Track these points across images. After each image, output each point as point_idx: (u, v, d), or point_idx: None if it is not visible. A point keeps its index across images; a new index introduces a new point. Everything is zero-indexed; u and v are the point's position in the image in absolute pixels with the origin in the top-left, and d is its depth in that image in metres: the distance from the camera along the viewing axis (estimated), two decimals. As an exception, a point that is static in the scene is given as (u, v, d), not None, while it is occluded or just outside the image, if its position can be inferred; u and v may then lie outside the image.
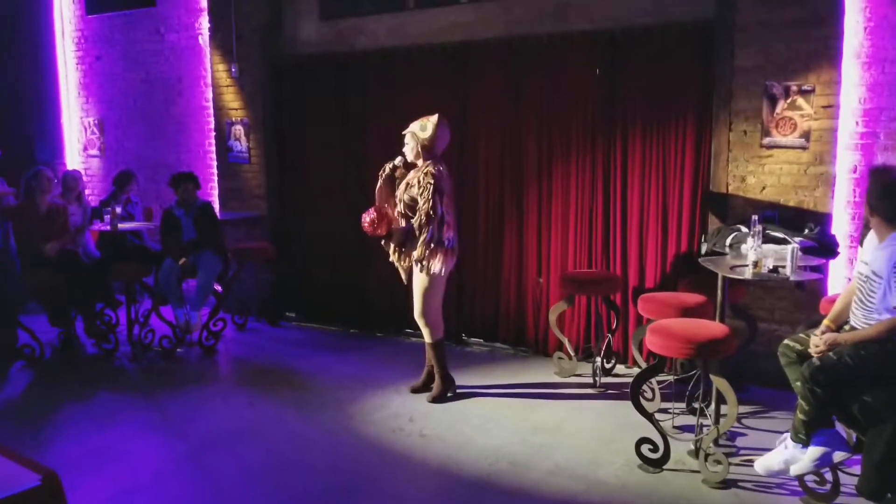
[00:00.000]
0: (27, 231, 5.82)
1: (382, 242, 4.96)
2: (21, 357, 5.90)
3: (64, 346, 6.24)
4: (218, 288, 6.44)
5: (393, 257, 4.94)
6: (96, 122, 8.46)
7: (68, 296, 6.01)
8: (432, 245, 4.64)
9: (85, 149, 8.64)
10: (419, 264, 4.73)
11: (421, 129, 4.77)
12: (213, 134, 7.49)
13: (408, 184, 4.76)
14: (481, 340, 6.32)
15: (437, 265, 4.70)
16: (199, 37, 7.48)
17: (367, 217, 4.84)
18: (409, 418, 4.70)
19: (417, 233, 4.66)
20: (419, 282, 4.83)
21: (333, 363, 5.87)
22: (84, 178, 8.21)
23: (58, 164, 8.34)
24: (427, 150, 4.76)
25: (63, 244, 5.95)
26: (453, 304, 6.05)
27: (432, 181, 4.62)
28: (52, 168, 6.57)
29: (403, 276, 4.99)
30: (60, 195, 6.37)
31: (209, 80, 7.43)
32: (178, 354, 6.15)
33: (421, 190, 4.63)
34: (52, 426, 4.72)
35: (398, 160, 4.87)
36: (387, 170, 4.89)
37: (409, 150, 4.80)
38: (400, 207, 4.81)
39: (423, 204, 4.61)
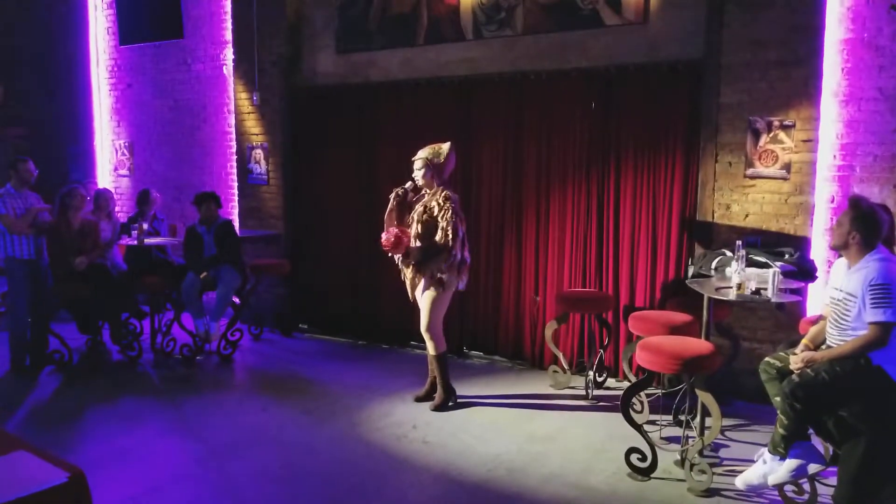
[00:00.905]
0: (60, 245, 5.85)
1: (400, 261, 4.93)
2: (51, 362, 5.92)
3: (91, 352, 6.25)
4: (236, 300, 6.45)
5: (408, 274, 4.91)
6: (126, 144, 8.53)
7: (96, 306, 6.03)
8: (456, 263, 4.72)
9: (115, 169, 8.70)
10: (439, 281, 4.75)
11: (434, 155, 4.81)
12: (235, 157, 7.54)
13: (425, 207, 4.77)
14: (481, 353, 6.31)
15: (460, 281, 4.81)
16: (224, 67, 7.56)
17: (389, 237, 4.78)
18: (412, 426, 4.69)
19: (445, 253, 4.68)
20: (429, 297, 4.83)
21: (342, 372, 5.86)
22: (114, 197, 8.26)
23: (89, 183, 8.39)
24: (439, 175, 4.80)
25: (92, 259, 5.97)
26: (456, 319, 6.06)
27: (452, 205, 4.69)
28: (84, 186, 6.61)
29: (410, 294, 5.00)
30: (92, 212, 6.41)
31: (232, 108, 7.49)
32: (197, 362, 6.16)
33: (441, 213, 4.68)
34: (79, 427, 4.73)
35: (409, 185, 4.89)
36: (398, 194, 4.90)
37: (422, 175, 4.82)
38: (417, 229, 4.79)
39: (447, 226, 4.66)
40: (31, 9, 8.78)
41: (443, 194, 4.74)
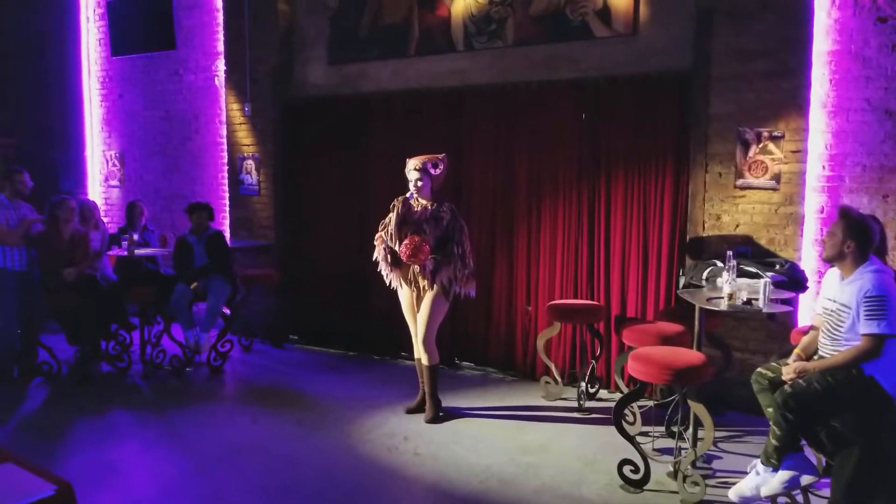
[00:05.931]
0: (51, 257, 5.78)
1: (418, 269, 4.77)
2: (39, 373, 5.85)
3: (80, 363, 6.17)
4: (226, 311, 6.40)
5: (421, 284, 4.82)
6: (117, 154, 8.48)
7: (86, 317, 5.96)
8: (469, 273, 4.79)
9: (106, 179, 8.64)
10: (445, 291, 4.76)
11: (433, 166, 4.79)
12: (226, 168, 7.51)
13: (434, 218, 4.74)
14: (473, 364, 6.27)
15: (470, 288, 4.86)
16: (216, 78, 7.53)
17: (410, 244, 4.64)
18: (403, 437, 4.65)
19: (459, 264, 4.73)
20: (435, 307, 4.79)
21: (333, 384, 5.81)
22: (102, 207, 8.20)
23: (79, 194, 8.33)
24: (435, 185, 4.83)
25: (81, 270, 5.91)
26: (447, 330, 6.02)
27: (459, 216, 4.76)
28: (75, 197, 6.56)
29: (408, 306, 4.95)
30: (79, 223, 6.35)
31: (223, 118, 7.46)
32: (187, 373, 6.10)
33: (453, 224, 4.73)
34: (67, 439, 4.66)
35: (410, 194, 4.80)
36: (399, 208, 4.79)
37: (420, 187, 4.76)
38: (432, 242, 4.73)
39: (461, 236, 4.74)
40: (22, 19, 8.73)
41: (447, 206, 4.77)
